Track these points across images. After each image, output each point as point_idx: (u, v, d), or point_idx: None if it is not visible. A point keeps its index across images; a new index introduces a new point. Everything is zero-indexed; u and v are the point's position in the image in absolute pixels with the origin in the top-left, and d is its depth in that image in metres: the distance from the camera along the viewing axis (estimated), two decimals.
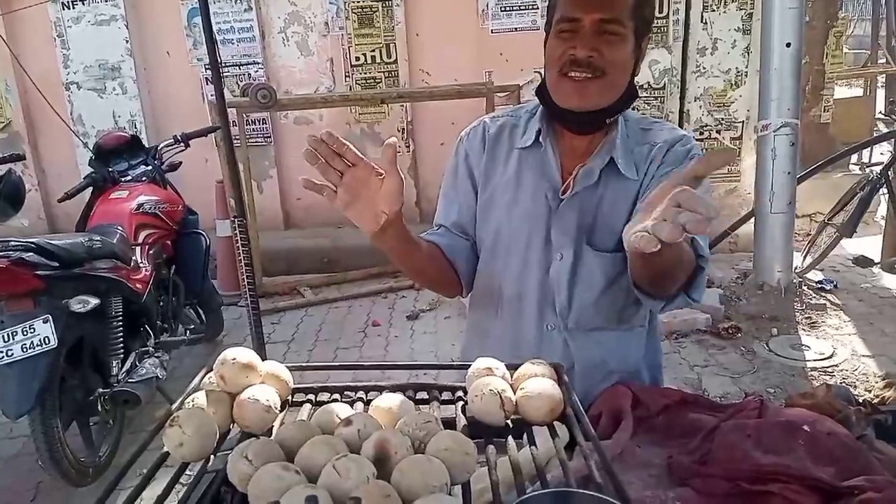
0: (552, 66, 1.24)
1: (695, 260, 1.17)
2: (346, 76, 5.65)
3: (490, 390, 0.91)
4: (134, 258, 3.10)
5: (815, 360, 3.54)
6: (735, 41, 5.40)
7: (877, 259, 4.66)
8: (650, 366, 1.43)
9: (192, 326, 3.72)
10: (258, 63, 5.61)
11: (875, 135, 6.35)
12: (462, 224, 1.41)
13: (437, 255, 1.37)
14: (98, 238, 2.87)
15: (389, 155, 1.07)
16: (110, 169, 3.46)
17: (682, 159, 1.27)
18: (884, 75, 8.42)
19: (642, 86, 5.46)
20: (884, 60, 8.52)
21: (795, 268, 4.45)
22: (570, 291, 1.33)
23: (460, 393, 1.01)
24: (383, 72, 5.66)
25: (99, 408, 2.81)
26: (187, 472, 0.84)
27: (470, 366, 1.02)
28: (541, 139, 1.33)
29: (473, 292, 1.47)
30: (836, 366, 3.48)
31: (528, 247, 1.34)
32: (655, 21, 5.56)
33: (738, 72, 5.45)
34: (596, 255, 1.31)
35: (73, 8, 5.51)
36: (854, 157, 6.87)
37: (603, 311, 1.35)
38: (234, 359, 0.90)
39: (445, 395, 1.03)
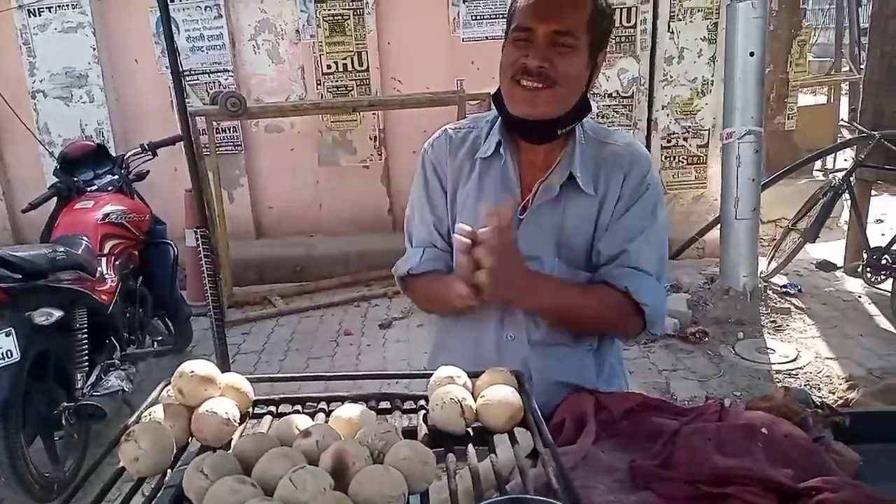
0: (505, 72, 1.26)
1: (631, 309, 1.29)
2: (317, 84, 5.64)
3: (451, 399, 0.92)
4: (99, 269, 3.06)
5: (780, 364, 3.61)
6: (701, 50, 5.49)
7: (840, 263, 4.76)
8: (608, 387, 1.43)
9: (160, 338, 3.67)
10: (228, 71, 5.57)
11: (838, 141, 6.49)
12: (443, 241, 1.41)
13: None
14: (62, 249, 2.83)
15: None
16: (76, 178, 3.41)
17: (640, 189, 1.32)
18: (847, 83, 8.62)
19: (611, 94, 5.53)
20: (847, 68, 8.74)
21: (761, 272, 4.53)
22: None
23: (423, 402, 1.01)
24: (355, 80, 5.66)
25: (63, 422, 2.76)
26: (145, 486, 0.83)
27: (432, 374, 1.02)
28: (501, 150, 1.34)
29: None
30: (801, 368, 3.55)
31: None
32: (623, 30, 5.71)
33: (705, 80, 5.54)
34: (569, 270, 1.32)
35: (40, 15, 5.42)
36: (818, 164, 7.01)
37: (568, 328, 1.35)
38: (192, 371, 0.89)
39: (408, 405, 1.03)
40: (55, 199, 3.39)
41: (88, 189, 3.40)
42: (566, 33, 1.20)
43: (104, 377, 2.92)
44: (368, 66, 5.61)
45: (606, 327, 1.37)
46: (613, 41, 5.43)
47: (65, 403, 2.75)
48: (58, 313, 2.65)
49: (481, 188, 1.36)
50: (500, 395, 0.93)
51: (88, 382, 2.83)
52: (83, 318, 2.84)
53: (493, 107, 1.37)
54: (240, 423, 0.93)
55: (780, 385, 3.34)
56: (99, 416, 2.76)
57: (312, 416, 0.96)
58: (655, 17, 5.43)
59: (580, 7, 1.22)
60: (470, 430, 0.93)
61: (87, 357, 2.84)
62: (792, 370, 3.54)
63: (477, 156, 1.37)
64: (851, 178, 4.48)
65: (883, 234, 4.96)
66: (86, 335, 2.84)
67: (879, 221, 5.96)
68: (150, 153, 3.70)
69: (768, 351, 3.74)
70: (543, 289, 1.25)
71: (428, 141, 1.46)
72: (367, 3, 5.47)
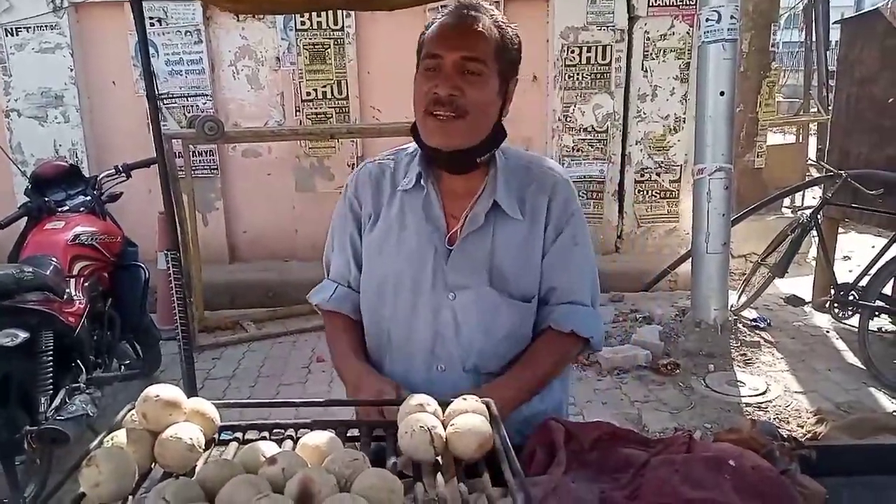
0: (418, 104, 1.28)
1: (577, 342, 1.37)
2: (296, 110, 5.66)
3: (420, 426, 0.92)
4: (68, 291, 3.00)
5: (749, 396, 3.64)
6: (673, 88, 5.64)
7: (808, 299, 4.84)
8: (549, 408, 1.43)
9: (128, 362, 3.60)
10: (207, 95, 5.58)
11: (806, 180, 6.64)
12: (359, 279, 1.43)
13: (353, 328, 1.44)
14: (30, 269, 2.77)
15: None
16: (47, 199, 3.36)
17: (565, 215, 1.37)
18: (815, 123, 8.85)
19: (586, 128, 5.64)
20: (815, 109, 8.97)
21: (731, 306, 4.58)
22: (465, 333, 1.33)
23: (393, 429, 1.01)
24: (334, 107, 5.70)
25: (25, 446, 2.68)
26: None
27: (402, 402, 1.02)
28: (422, 182, 1.35)
29: (366, 336, 1.46)
30: (770, 402, 3.58)
31: (415, 289, 1.34)
32: (599, 67, 5.85)
33: (677, 117, 5.68)
34: (501, 299, 1.33)
35: (17, 35, 5.40)
36: (786, 201, 7.16)
37: (500, 356, 1.36)
38: (157, 396, 0.88)
39: (378, 432, 1.02)
40: (25, 218, 3.33)
41: (59, 209, 3.35)
42: (474, 59, 1.23)
43: (69, 401, 2.84)
44: (348, 95, 5.66)
45: (565, 368, 1.45)
46: (589, 78, 5.56)
47: (27, 427, 2.66)
48: (23, 335, 2.59)
49: (403, 220, 1.36)
50: (469, 423, 0.93)
51: (52, 406, 2.75)
52: (49, 340, 2.77)
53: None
54: (205, 450, 0.91)
55: (749, 418, 3.36)
56: (62, 441, 2.67)
57: (280, 442, 0.95)
58: (630, 56, 5.58)
59: (487, 37, 1.25)
60: (439, 458, 0.93)
61: (51, 380, 2.77)
62: (761, 403, 3.56)
63: (398, 188, 1.38)
64: (819, 216, 4.58)
65: (850, 271, 5.06)
66: (51, 358, 2.77)
67: (847, 258, 6.09)
68: (123, 175, 3.66)
69: (738, 384, 3.77)
70: (505, 393, 1.26)
71: (351, 175, 1.47)
72: (348, 32, 5.54)
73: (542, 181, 1.37)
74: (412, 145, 1.40)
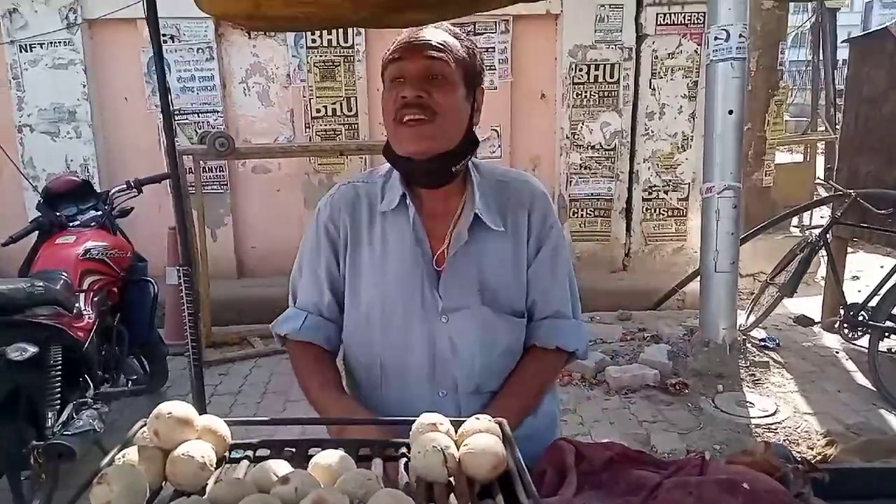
0: (388, 116, 1.27)
1: (563, 356, 1.39)
2: (306, 127, 5.70)
3: (433, 447, 0.91)
4: (77, 305, 3.00)
5: (759, 417, 3.60)
6: (681, 107, 5.65)
7: (817, 319, 4.81)
8: (543, 424, 1.43)
9: (135, 377, 3.60)
10: (218, 111, 5.62)
11: (815, 199, 6.63)
12: (334, 307, 1.39)
13: (328, 359, 1.39)
14: (40, 284, 2.78)
15: None
16: (58, 213, 3.38)
17: (545, 229, 1.38)
18: (823, 142, 8.85)
19: (594, 146, 5.65)
20: (823, 128, 8.99)
21: (739, 326, 4.55)
22: (464, 354, 1.32)
23: (405, 449, 1.00)
24: (344, 124, 5.74)
25: (32, 461, 2.67)
26: None
27: (415, 421, 1.01)
28: (406, 201, 1.33)
29: (349, 366, 1.43)
30: (780, 423, 3.54)
31: (406, 314, 1.32)
32: (607, 85, 5.86)
33: (685, 136, 5.69)
34: (495, 316, 1.32)
35: (31, 51, 5.47)
36: (795, 220, 7.14)
37: (500, 372, 1.35)
38: (169, 413, 0.88)
39: (390, 452, 1.02)
40: (36, 232, 3.36)
41: (71, 224, 3.37)
42: (438, 59, 1.24)
43: (76, 416, 2.83)
44: (357, 111, 5.70)
45: (554, 383, 1.47)
46: (597, 96, 5.58)
47: (34, 442, 2.66)
48: (32, 349, 2.59)
49: (385, 243, 1.33)
50: (483, 443, 0.92)
51: (59, 421, 2.75)
52: (58, 354, 2.77)
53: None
54: (216, 468, 0.91)
55: (759, 439, 3.33)
56: (68, 457, 2.66)
57: (290, 461, 0.95)
58: (637, 74, 5.61)
59: (445, 46, 1.27)
60: (452, 479, 0.92)
61: (59, 395, 2.76)
62: (771, 424, 3.53)
63: (380, 209, 1.35)
64: (828, 235, 4.56)
65: (859, 291, 5.03)
66: (59, 372, 2.77)
67: (856, 278, 6.06)
68: (135, 190, 3.69)
69: (747, 404, 3.73)
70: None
71: (323, 199, 1.43)
72: (358, 50, 5.59)
73: (519, 195, 1.37)
74: (385, 166, 1.39)
